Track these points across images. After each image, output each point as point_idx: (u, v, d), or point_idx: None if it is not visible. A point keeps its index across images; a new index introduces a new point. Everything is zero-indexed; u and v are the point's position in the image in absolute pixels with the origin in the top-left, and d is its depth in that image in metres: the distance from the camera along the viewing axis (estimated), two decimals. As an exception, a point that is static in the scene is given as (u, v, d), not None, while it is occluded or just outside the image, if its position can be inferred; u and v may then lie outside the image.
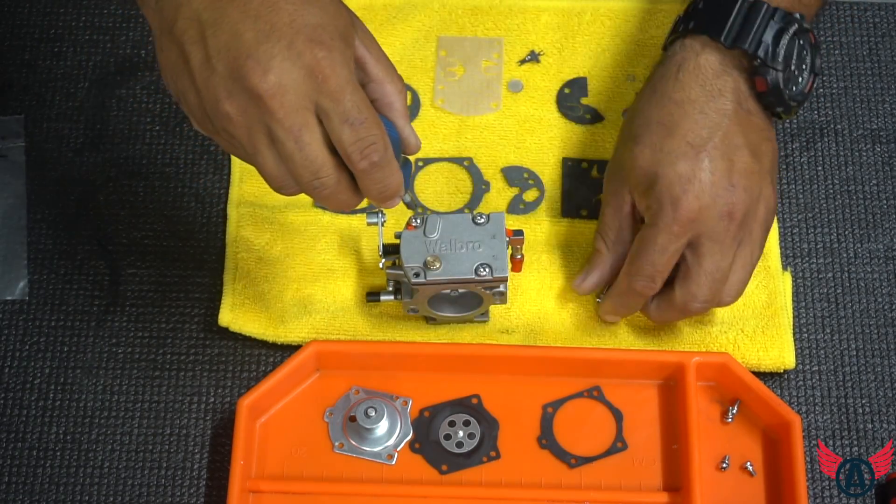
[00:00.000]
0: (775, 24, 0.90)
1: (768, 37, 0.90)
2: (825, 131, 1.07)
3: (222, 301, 0.99)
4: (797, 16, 0.91)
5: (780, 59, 0.90)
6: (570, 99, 1.08)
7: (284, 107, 0.75)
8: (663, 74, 0.94)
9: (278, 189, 0.80)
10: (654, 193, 0.91)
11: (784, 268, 1.01)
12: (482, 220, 0.93)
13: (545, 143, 1.07)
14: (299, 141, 0.76)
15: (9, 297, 1.01)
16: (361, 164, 0.78)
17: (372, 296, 0.98)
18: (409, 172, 0.87)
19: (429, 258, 0.91)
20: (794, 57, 0.92)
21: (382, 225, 0.94)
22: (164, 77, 0.80)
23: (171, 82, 0.80)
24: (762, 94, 0.92)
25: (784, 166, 1.06)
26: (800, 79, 0.93)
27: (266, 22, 0.76)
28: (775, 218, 1.02)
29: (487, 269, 0.91)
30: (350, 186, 0.80)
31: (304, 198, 1.04)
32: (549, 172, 1.05)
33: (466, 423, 0.96)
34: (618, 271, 0.95)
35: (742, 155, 0.91)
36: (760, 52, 0.90)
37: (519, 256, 0.95)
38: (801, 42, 0.92)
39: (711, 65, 0.91)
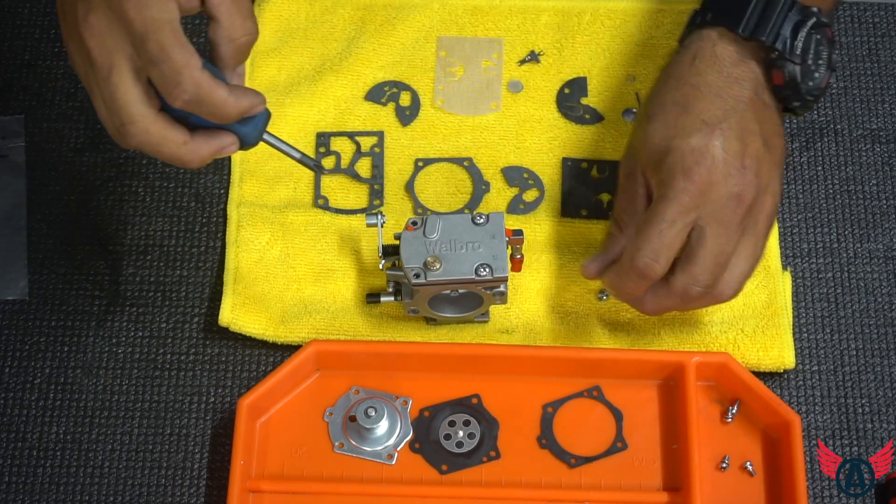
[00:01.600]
0: (794, 17, 0.89)
1: (786, 29, 0.89)
2: (825, 131, 1.07)
3: (222, 301, 0.99)
4: (814, 9, 0.90)
5: (798, 53, 0.89)
6: (570, 99, 1.08)
7: (97, 47, 0.77)
8: (679, 62, 0.92)
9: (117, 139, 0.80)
10: (666, 166, 0.89)
11: (784, 268, 1.01)
12: (482, 221, 0.93)
13: (545, 143, 1.07)
14: (108, 80, 0.77)
15: (9, 297, 1.01)
16: (176, 103, 0.78)
17: (372, 297, 0.98)
18: (263, 118, 0.84)
19: (429, 259, 0.91)
20: (812, 51, 0.91)
21: (382, 226, 0.94)
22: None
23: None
24: (779, 88, 0.91)
25: (784, 166, 1.06)
26: (816, 73, 0.92)
27: None
28: (776, 218, 1.02)
29: (487, 270, 0.91)
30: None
31: (304, 197, 1.04)
32: (549, 172, 1.05)
33: (466, 423, 0.96)
34: None
35: (755, 141, 0.90)
36: (778, 45, 0.89)
37: (518, 256, 0.95)
38: (819, 37, 0.91)
39: (729, 54, 0.90)
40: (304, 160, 0.87)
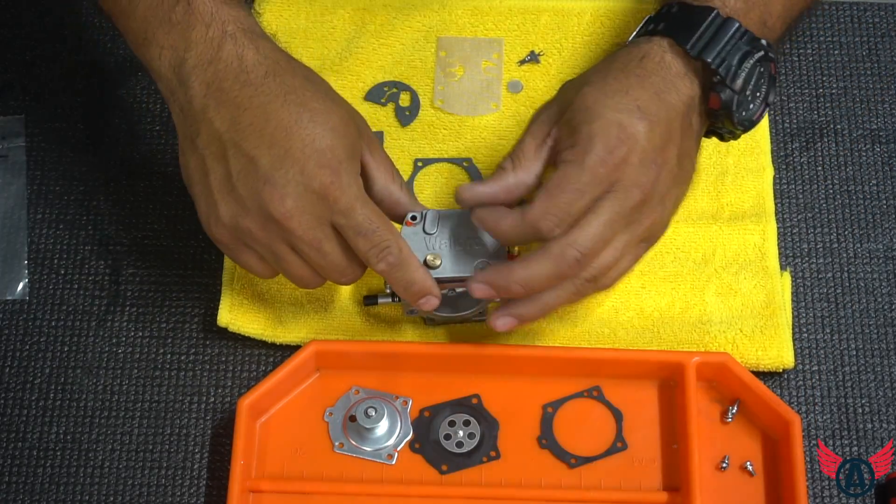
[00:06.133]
0: (742, 46, 0.88)
1: (733, 57, 0.88)
2: (825, 131, 1.07)
3: (221, 301, 0.99)
4: (764, 42, 0.89)
5: (739, 82, 0.88)
6: (570, 99, 1.08)
7: (303, 226, 0.85)
8: (626, 55, 0.91)
9: (303, 286, 0.91)
10: (587, 132, 0.86)
11: (784, 268, 1.01)
12: (482, 219, 0.92)
13: (545, 143, 1.07)
14: (321, 250, 0.87)
15: (9, 297, 1.01)
16: (379, 266, 0.88)
17: (369, 299, 0.98)
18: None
19: (429, 256, 0.91)
20: (752, 82, 0.90)
21: None
22: (182, 174, 0.89)
23: (188, 183, 0.89)
24: (712, 111, 0.90)
25: (784, 166, 1.06)
26: (751, 105, 0.91)
27: (281, 147, 0.84)
28: (773, 221, 1.02)
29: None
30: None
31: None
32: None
33: (466, 423, 0.96)
34: (510, 198, 0.90)
35: (672, 150, 0.88)
36: (722, 70, 0.88)
37: (517, 253, 0.95)
38: (762, 70, 0.90)
39: (676, 65, 0.89)
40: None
